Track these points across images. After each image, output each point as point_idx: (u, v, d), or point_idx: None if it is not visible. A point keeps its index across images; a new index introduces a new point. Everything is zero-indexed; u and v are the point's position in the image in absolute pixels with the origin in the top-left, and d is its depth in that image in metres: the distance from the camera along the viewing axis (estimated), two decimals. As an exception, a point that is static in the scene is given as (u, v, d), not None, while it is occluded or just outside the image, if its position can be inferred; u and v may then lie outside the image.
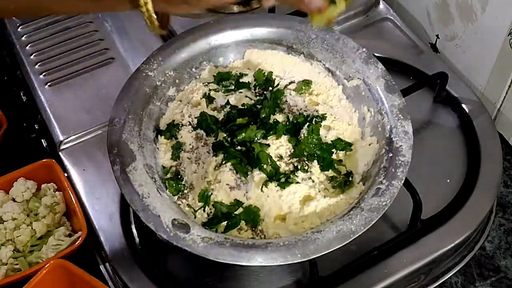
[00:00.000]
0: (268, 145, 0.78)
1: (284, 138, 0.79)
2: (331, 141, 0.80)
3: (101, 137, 0.88)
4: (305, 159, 0.78)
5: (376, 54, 0.87)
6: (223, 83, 0.86)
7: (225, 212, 0.74)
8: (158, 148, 0.81)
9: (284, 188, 0.75)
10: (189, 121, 0.82)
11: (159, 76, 0.83)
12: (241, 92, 0.86)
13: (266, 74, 0.86)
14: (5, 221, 0.81)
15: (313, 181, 0.76)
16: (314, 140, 0.78)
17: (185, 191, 0.77)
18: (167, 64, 0.84)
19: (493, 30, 0.89)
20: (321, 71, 0.86)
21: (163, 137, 0.81)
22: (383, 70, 0.82)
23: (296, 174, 0.76)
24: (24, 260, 0.79)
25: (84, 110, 0.92)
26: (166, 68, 0.84)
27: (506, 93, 0.92)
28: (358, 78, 0.83)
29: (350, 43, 0.85)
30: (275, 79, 0.87)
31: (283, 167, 0.77)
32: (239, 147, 0.78)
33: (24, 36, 1.02)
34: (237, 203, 0.75)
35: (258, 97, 0.85)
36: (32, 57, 0.99)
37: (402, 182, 0.72)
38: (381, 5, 1.05)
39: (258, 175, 0.76)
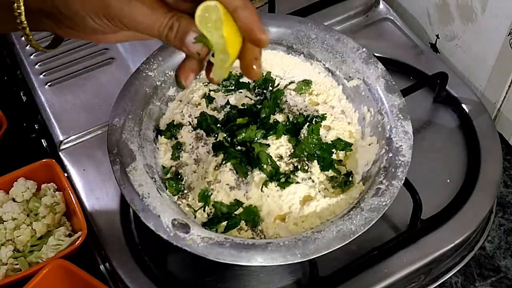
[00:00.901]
0: (268, 145, 0.78)
1: (284, 138, 0.79)
2: (331, 141, 0.80)
3: (101, 137, 0.88)
4: (305, 159, 0.78)
5: (376, 54, 0.87)
6: (223, 83, 0.86)
7: (225, 212, 0.74)
8: (158, 148, 0.81)
9: (284, 188, 0.75)
10: (189, 121, 0.82)
11: (159, 76, 0.83)
12: (241, 92, 0.86)
13: (265, 74, 0.86)
14: (5, 221, 0.81)
15: (313, 181, 0.76)
16: (314, 140, 0.78)
17: (185, 191, 0.77)
18: (167, 64, 0.84)
19: (493, 30, 0.89)
20: (321, 71, 0.86)
21: (163, 137, 0.82)
22: (383, 70, 0.82)
23: (296, 174, 0.76)
24: (24, 260, 0.79)
25: (84, 110, 0.92)
26: (166, 68, 0.84)
27: (506, 93, 0.92)
28: (358, 78, 0.83)
29: (350, 43, 0.85)
30: (275, 79, 0.87)
31: (283, 167, 0.77)
32: (239, 147, 0.78)
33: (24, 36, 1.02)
34: (237, 203, 0.75)
35: (258, 97, 0.85)
36: (32, 57, 0.99)
37: (402, 182, 0.72)
38: (381, 5, 1.05)
39: (258, 175, 0.76)
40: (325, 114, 0.82)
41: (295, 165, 0.78)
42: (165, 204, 0.71)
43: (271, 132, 0.79)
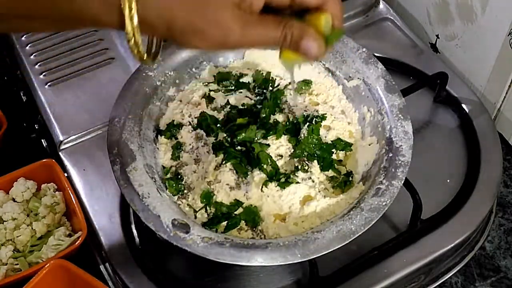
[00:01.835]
0: (268, 145, 0.78)
1: (284, 138, 0.79)
2: (331, 141, 0.80)
3: (101, 137, 0.88)
4: (305, 159, 0.78)
5: (376, 54, 0.87)
6: (223, 83, 0.86)
7: (225, 212, 0.74)
8: (158, 148, 0.81)
9: (284, 188, 0.75)
10: (189, 121, 0.82)
11: (159, 76, 0.83)
12: (241, 92, 0.86)
13: (264, 74, 0.86)
14: (5, 221, 0.81)
15: (313, 181, 0.76)
16: (314, 140, 0.78)
17: (185, 191, 0.77)
18: (167, 64, 0.84)
19: (493, 30, 0.89)
20: (321, 71, 0.86)
21: (163, 137, 0.82)
22: (383, 70, 0.82)
23: (296, 174, 0.76)
24: (24, 260, 0.79)
25: (84, 110, 0.92)
26: (166, 68, 0.84)
27: (506, 93, 0.92)
28: (358, 78, 0.83)
29: (350, 43, 0.85)
30: (275, 79, 0.87)
31: (283, 167, 0.77)
32: (239, 147, 0.78)
33: (24, 36, 1.02)
34: (237, 203, 0.75)
35: (258, 97, 0.85)
36: (32, 57, 0.99)
37: (402, 182, 0.72)
38: (381, 5, 1.05)
39: (258, 175, 0.76)
40: (325, 114, 0.82)
41: (295, 165, 0.78)
42: (165, 204, 0.71)
43: (271, 132, 0.79)
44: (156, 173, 0.76)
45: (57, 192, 0.84)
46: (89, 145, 0.89)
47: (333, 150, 0.79)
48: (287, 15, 0.58)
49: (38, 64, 0.98)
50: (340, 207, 0.73)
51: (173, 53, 0.85)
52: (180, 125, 0.82)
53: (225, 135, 0.79)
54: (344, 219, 0.69)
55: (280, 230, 0.73)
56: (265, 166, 0.76)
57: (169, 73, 0.84)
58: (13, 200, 0.83)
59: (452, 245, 0.78)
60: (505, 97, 0.92)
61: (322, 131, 0.80)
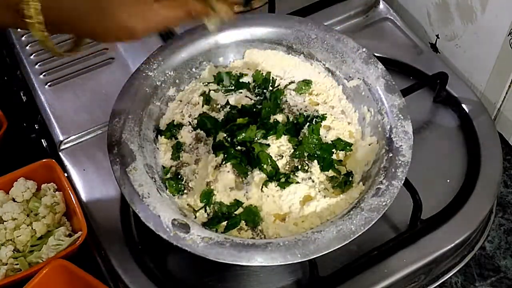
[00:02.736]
0: (268, 145, 0.78)
1: (284, 138, 0.79)
2: (331, 141, 0.80)
3: (101, 137, 0.88)
4: (305, 159, 0.78)
5: (376, 54, 0.87)
6: (223, 83, 0.86)
7: (225, 212, 0.74)
8: (158, 148, 0.81)
9: (284, 188, 0.75)
10: (189, 121, 0.82)
11: (159, 76, 0.83)
12: (241, 92, 0.86)
13: (264, 74, 0.86)
14: (5, 221, 0.81)
15: (313, 181, 0.76)
16: (315, 140, 0.78)
17: (185, 191, 0.77)
18: (167, 64, 0.84)
19: (493, 30, 0.89)
20: (321, 71, 0.86)
21: (163, 137, 0.82)
22: (383, 70, 0.82)
23: (296, 174, 0.76)
24: (24, 260, 0.79)
25: (84, 110, 0.92)
26: (166, 68, 0.84)
27: (506, 93, 0.92)
28: (358, 78, 0.83)
29: (350, 43, 0.85)
30: (275, 80, 0.87)
31: (283, 167, 0.77)
32: (239, 147, 0.78)
33: (24, 36, 1.02)
34: (237, 203, 0.75)
35: (258, 97, 0.85)
36: (32, 57, 0.99)
37: (402, 182, 0.72)
38: (381, 5, 1.05)
39: (258, 175, 0.76)
40: (325, 114, 0.82)
41: (295, 165, 0.78)
42: (165, 204, 0.71)
43: (271, 132, 0.79)
44: (156, 173, 0.76)
45: (57, 192, 0.84)
46: (89, 145, 0.89)
47: (333, 150, 0.79)
48: None
49: (38, 64, 0.98)
50: (340, 207, 0.73)
51: (173, 53, 0.85)
52: (180, 125, 0.82)
53: (225, 135, 0.79)
54: (344, 219, 0.69)
55: (280, 230, 0.73)
56: (265, 166, 0.76)
57: (169, 73, 0.84)
58: (13, 200, 0.83)
59: (452, 245, 0.78)
60: (505, 97, 0.92)
61: (322, 131, 0.80)
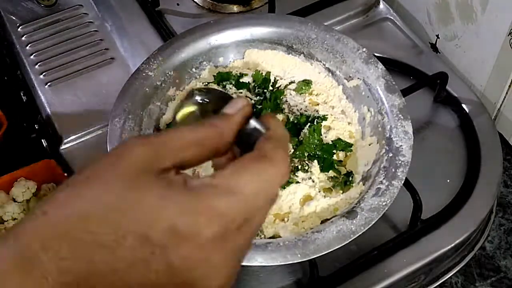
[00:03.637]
0: (268, 145, 0.78)
1: (284, 138, 0.79)
2: (332, 141, 0.80)
3: (101, 137, 0.88)
4: (306, 159, 0.78)
5: (376, 54, 0.87)
6: (223, 83, 0.86)
7: (225, 212, 0.74)
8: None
9: (284, 188, 0.75)
10: (189, 121, 0.82)
11: (159, 76, 0.83)
12: (241, 92, 0.86)
13: (264, 74, 0.86)
14: (6, 221, 0.81)
15: (313, 181, 0.76)
16: (316, 141, 0.78)
17: (185, 191, 0.77)
18: (167, 64, 0.84)
19: (493, 30, 0.89)
20: (321, 71, 0.86)
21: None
22: (383, 70, 0.82)
23: (296, 174, 0.76)
24: (24, 260, 0.79)
25: (84, 110, 0.92)
26: (166, 68, 0.84)
27: (506, 93, 0.92)
28: (358, 78, 0.83)
29: (350, 43, 0.85)
30: (276, 80, 0.87)
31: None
32: (239, 147, 0.78)
33: (24, 36, 1.02)
34: (237, 203, 0.74)
35: (258, 97, 0.85)
36: (32, 57, 0.99)
37: (402, 182, 0.72)
38: (381, 5, 1.05)
39: (258, 175, 0.76)
40: (326, 115, 0.81)
41: (296, 165, 0.78)
42: (165, 204, 0.71)
43: (271, 132, 0.79)
44: (156, 173, 0.76)
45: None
46: (89, 145, 0.88)
47: (334, 151, 0.79)
48: None
49: (38, 64, 0.98)
50: (340, 207, 0.73)
51: (173, 53, 0.85)
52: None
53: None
54: (344, 219, 0.69)
55: (280, 230, 0.73)
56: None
57: (169, 73, 0.84)
58: (14, 200, 0.83)
59: (452, 245, 0.78)
60: (505, 97, 0.92)
61: (322, 131, 0.80)
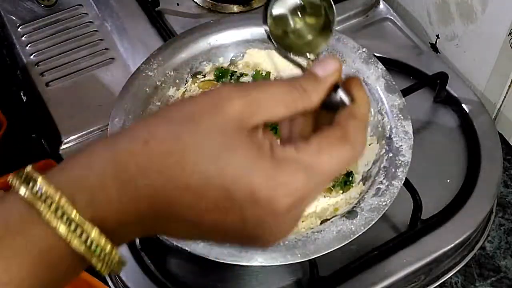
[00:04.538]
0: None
1: (284, 138, 0.79)
2: (331, 141, 0.80)
3: (101, 137, 0.88)
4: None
5: (376, 54, 0.87)
6: (222, 80, 0.86)
7: (225, 212, 0.74)
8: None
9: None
10: (189, 121, 0.82)
11: (159, 76, 0.83)
12: (241, 92, 0.85)
13: (264, 74, 0.86)
14: (5, 221, 0.81)
15: (313, 181, 0.76)
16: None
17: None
18: (167, 64, 0.84)
19: (493, 30, 0.89)
20: (321, 71, 0.86)
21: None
22: (383, 70, 0.82)
23: (296, 174, 0.76)
24: (24, 260, 0.79)
25: (84, 110, 0.92)
26: (166, 68, 0.84)
27: (506, 93, 0.92)
28: (358, 78, 0.83)
29: (350, 43, 0.85)
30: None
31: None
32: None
33: (24, 36, 1.02)
34: (237, 203, 0.74)
35: (258, 97, 0.85)
36: (32, 57, 0.99)
37: (402, 182, 0.72)
38: (381, 5, 1.05)
39: (258, 175, 0.76)
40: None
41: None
42: (165, 204, 0.71)
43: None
44: (156, 173, 0.76)
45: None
46: (89, 145, 0.88)
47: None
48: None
49: (38, 64, 0.98)
50: (340, 207, 0.73)
51: (173, 53, 0.85)
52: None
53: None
54: (344, 219, 0.69)
55: (280, 230, 0.72)
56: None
57: (169, 73, 0.84)
58: (13, 200, 0.83)
59: (452, 245, 0.78)
60: (505, 97, 0.92)
61: (322, 131, 0.80)
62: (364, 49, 0.84)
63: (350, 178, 0.77)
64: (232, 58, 0.88)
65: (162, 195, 0.38)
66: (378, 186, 0.71)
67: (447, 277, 0.81)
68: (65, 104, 0.93)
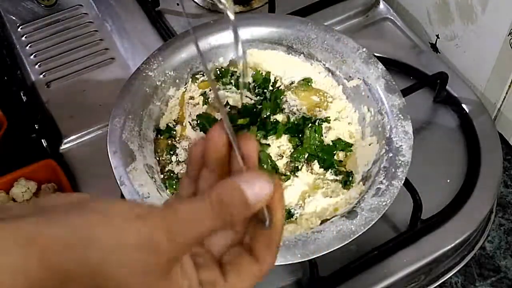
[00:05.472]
0: (268, 145, 0.78)
1: (284, 138, 0.79)
2: (332, 141, 0.80)
3: (101, 137, 0.88)
4: (306, 159, 0.78)
5: (376, 54, 0.87)
6: (223, 80, 0.86)
7: (225, 212, 0.74)
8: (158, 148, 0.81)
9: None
10: (189, 121, 0.82)
11: (159, 76, 0.83)
12: (241, 92, 0.85)
13: (264, 74, 0.86)
14: (5, 221, 0.81)
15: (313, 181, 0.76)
16: (317, 142, 0.78)
17: (185, 191, 0.77)
18: (167, 64, 0.84)
19: (493, 30, 0.89)
20: (321, 71, 0.86)
21: (163, 137, 0.81)
22: (383, 70, 0.82)
23: (296, 174, 0.76)
24: (24, 260, 0.79)
25: (84, 110, 0.92)
26: (166, 68, 0.84)
27: (506, 93, 0.92)
28: (358, 78, 0.83)
29: (350, 43, 0.85)
30: (276, 80, 0.87)
31: (283, 166, 0.77)
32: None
33: (24, 36, 1.02)
34: (237, 203, 0.74)
35: (258, 97, 0.85)
36: (32, 57, 0.99)
37: (402, 182, 0.72)
38: (381, 5, 1.05)
39: (258, 175, 0.75)
40: (329, 117, 0.81)
41: (295, 165, 0.78)
42: (165, 204, 0.71)
43: (271, 132, 0.79)
44: (156, 173, 0.76)
45: (57, 192, 0.84)
46: (89, 145, 0.88)
47: (334, 151, 0.79)
48: None
49: (38, 64, 0.98)
50: (340, 207, 0.73)
51: (173, 53, 0.85)
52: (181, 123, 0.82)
53: (225, 135, 0.79)
54: (344, 219, 0.69)
55: (280, 230, 0.72)
56: (265, 166, 0.76)
57: (169, 73, 0.84)
58: (13, 200, 0.83)
59: (452, 245, 0.78)
60: (505, 97, 0.92)
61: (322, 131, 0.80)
62: (364, 49, 0.84)
63: (350, 178, 0.77)
64: (232, 58, 0.88)
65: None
66: (378, 186, 0.71)
67: (447, 277, 0.82)
68: (65, 104, 0.93)
